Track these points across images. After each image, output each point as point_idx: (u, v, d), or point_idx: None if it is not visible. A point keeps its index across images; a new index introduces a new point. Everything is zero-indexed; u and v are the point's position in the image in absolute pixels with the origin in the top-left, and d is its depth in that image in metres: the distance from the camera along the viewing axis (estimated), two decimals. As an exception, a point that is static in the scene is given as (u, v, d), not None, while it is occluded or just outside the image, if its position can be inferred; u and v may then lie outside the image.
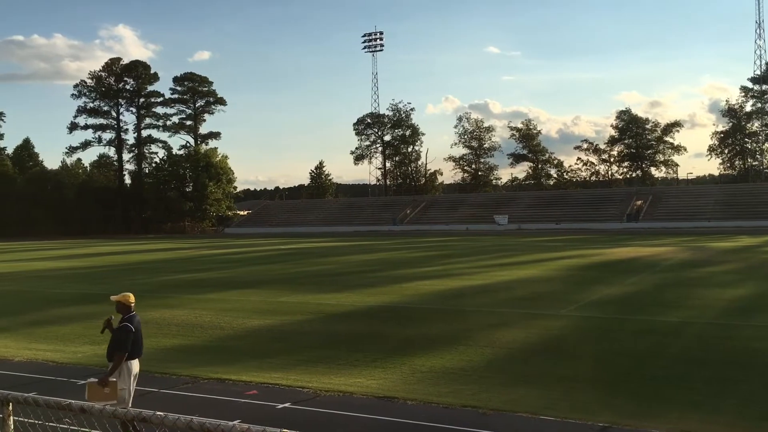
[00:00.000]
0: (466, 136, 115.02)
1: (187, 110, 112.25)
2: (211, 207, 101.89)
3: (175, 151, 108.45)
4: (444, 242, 56.33)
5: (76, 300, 22.13)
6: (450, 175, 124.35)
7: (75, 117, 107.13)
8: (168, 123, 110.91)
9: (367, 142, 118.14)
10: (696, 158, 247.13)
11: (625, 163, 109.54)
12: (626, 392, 9.94)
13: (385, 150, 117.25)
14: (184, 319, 17.54)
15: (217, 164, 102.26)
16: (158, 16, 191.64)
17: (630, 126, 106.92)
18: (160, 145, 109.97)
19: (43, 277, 30.83)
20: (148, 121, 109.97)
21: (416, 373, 11.32)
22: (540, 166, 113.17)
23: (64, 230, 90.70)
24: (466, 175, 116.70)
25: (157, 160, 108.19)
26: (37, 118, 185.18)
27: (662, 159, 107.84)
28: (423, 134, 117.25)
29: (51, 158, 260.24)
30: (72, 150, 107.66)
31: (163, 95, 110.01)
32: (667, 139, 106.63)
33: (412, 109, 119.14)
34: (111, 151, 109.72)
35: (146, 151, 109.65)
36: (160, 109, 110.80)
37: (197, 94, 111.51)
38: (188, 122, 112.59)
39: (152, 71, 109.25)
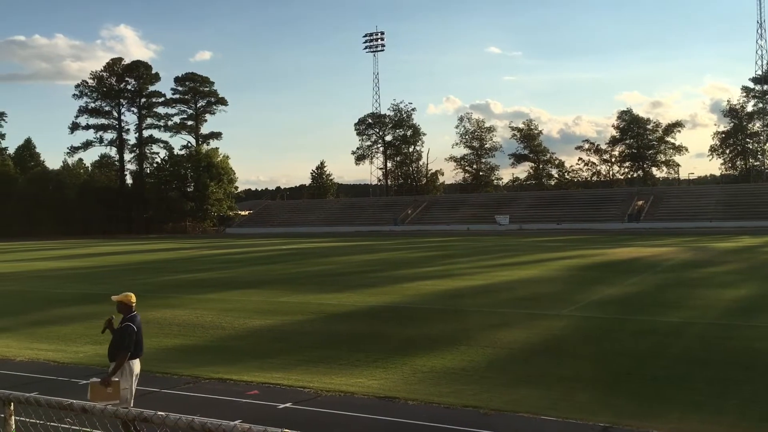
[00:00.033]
0: (467, 137, 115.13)
1: (188, 110, 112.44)
2: (213, 207, 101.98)
3: (176, 151, 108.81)
4: (445, 242, 56.31)
5: (77, 300, 22.15)
6: (451, 175, 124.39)
7: (76, 117, 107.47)
8: (169, 123, 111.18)
9: (369, 142, 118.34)
10: (697, 158, 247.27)
11: (627, 164, 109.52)
12: (627, 392, 9.93)
13: (386, 150, 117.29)
14: (185, 319, 17.55)
15: (219, 164, 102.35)
16: (159, 16, 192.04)
17: (631, 126, 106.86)
18: (162, 145, 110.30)
19: (45, 277, 30.86)
20: (149, 121, 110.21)
21: (417, 373, 11.32)
22: (541, 166, 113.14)
23: (66, 230, 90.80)
24: (467, 175, 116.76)
25: (158, 160, 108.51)
26: (38, 119, 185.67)
27: (663, 159, 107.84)
28: (424, 134, 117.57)
29: (52, 158, 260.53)
30: (73, 150, 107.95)
31: (164, 95, 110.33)
32: (669, 139, 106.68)
33: (413, 110, 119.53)
34: (112, 151, 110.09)
35: (147, 151, 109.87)
36: (161, 109, 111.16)
37: (198, 94, 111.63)
38: (189, 122, 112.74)
39: (153, 71, 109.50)
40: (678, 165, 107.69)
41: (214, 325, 16.63)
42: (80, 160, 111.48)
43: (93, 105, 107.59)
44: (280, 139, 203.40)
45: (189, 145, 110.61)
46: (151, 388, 10.31)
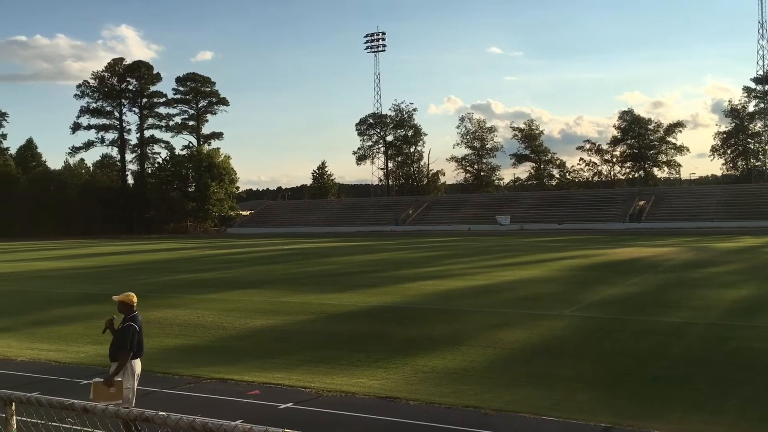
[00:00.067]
0: (468, 137, 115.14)
1: (189, 110, 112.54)
2: (214, 207, 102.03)
3: (177, 151, 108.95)
4: (446, 242, 56.31)
5: (78, 300, 22.17)
6: (452, 175, 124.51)
7: (78, 117, 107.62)
8: (171, 123, 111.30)
9: (370, 143, 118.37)
10: (699, 158, 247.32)
11: (628, 164, 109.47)
12: (628, 393, 9.93)
13: (387, 150, 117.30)
14: (186, 319, 17.56)
15: (220, 164, 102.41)
16: (160, 16, 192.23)
17: (632, 126, 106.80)
18: (163, 145, 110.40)
19: (46, 277, 30.88)
20: (150, 121, 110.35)
21: (418, 373, 11.32)
22: (542, 166, 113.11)
23: (67, 230, 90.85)
24: (468, 175, 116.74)
25: (159, 160, 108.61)
26: (40, 119, 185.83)
27: (665, 159, 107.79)
28: (425, 134, 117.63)
29: (54, 158, 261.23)
30: (75, 150, 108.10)
31: (165, 95, 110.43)
32: (670, 139, 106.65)
33: (414, 110, 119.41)
34: (114, 152, 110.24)
35: (149, 152, 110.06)
36: (162, 110, 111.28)
37: (200, 94, 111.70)
38: (191, 122, 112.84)
39: (155, 71, 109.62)
40: (679, 165, 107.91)
41: (215, 325, 16.64)
42: (82, 160, 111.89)
43: (94, 105, 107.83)
44: (281, 139, 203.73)
45: (190, 145, 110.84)
46: (152, 388, 10.32)
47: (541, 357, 12.53)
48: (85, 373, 11.41)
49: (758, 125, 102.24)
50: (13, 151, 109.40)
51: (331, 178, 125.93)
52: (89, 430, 7.24)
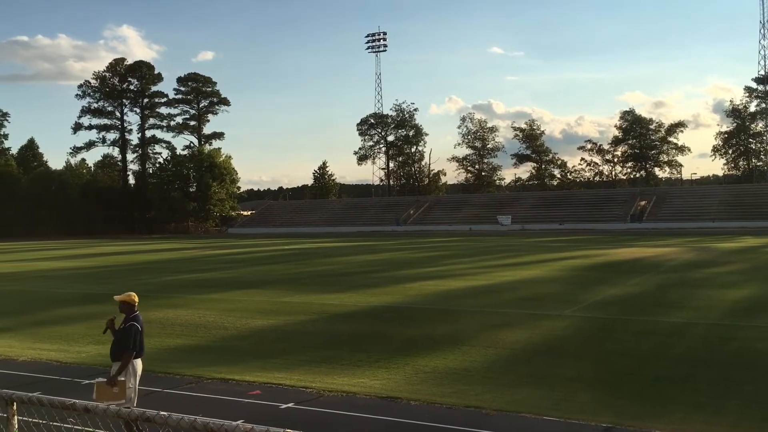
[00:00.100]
0: (469, 137, 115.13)
1: (190, 110, 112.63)
2: (215, 207, 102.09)
3: (178, 151, 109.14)
4: (447, 243, 56.30)
5: (79, 300, 22.18)
6: (453, 175, 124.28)
7: (79, 117, 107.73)
8: (172, 123, 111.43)
9: (371, 143, 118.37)
10: (700, 159, 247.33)
11: (629, 164, 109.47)
12: (629, 393, 9.93)
13: (388, 150, 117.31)
14: (187, 319, 17.57)
15: (221, 164, 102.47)
16: (162, 16, 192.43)
17: (634, 126, 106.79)
18: (164, 145, 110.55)
19: (47, 277, 30.90)
20: (152, 121, 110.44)
21: (419, 373, 11.32)
22: (543, 166, 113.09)
23: (68, 230, 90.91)
24: (469, 175, 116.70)
25: (160, 160, 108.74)
26: (41, 119, 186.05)
27: (666, 159, 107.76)
28: (426, 134, 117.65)
29: (55, 158, 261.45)
30: (76, 150, 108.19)
31: (166, 95, 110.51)
32: (671, 139, 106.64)
33: (415, 110, 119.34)
34: (115, 152, 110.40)
35: (150, 152, 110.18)
36: (164, 110, 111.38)
37: (201, 94, 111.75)
38: (192, 122, 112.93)
39: (156, 71, 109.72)
40: (680, 165, 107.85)
41: (216, 325, 16.65)
42: (83, 160, 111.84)
43: (96, 105, 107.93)
44: (281, 139, 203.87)
45: (191, 145, 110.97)
46: (153, 388, 10.32)
47: (542, 357, 12.52)
48: (87, 373, 11.43)
49: (760, 125, 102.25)
50: (14, 151, 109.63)
51: (332, 178, 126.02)
52: (90, 429, 7.25)
